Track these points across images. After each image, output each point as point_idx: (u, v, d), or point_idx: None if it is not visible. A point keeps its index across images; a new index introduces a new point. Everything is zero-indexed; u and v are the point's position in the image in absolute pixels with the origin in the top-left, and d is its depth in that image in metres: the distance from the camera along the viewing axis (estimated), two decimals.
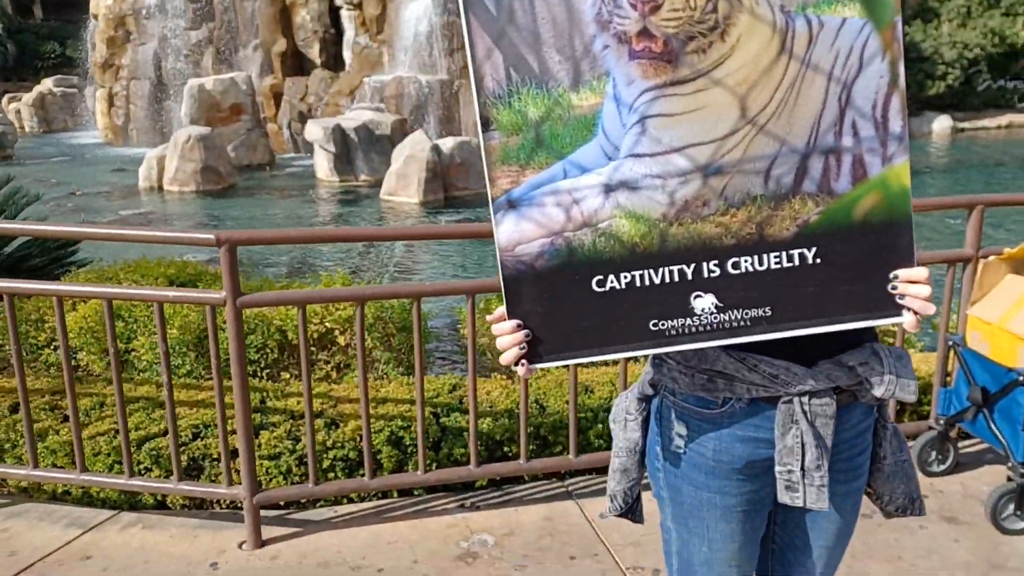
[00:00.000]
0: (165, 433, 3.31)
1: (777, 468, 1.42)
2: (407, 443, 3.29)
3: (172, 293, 2.79)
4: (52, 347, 4.36)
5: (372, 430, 3.30)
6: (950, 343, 3.32)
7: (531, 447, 3.35)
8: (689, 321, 1.35)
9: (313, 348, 4.16)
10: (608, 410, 3.45)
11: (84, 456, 3.08)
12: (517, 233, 1.35)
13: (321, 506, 3.28)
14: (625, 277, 1.34)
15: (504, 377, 3.90)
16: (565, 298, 1.36)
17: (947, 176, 16.03)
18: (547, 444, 3.40)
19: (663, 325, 1.35)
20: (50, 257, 5.05)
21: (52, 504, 3.32)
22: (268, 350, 4.19)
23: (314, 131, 15.88)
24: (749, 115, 1.29)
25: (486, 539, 3.00)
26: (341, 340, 4.22)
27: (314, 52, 19.83)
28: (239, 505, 3.31)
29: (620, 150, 1.32)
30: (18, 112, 23.41)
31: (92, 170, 17.96)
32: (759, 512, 1.53)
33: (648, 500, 1.64)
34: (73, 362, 4.40)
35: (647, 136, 1.31)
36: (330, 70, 19.64)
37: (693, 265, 1.33)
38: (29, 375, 3.83)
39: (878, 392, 1.41)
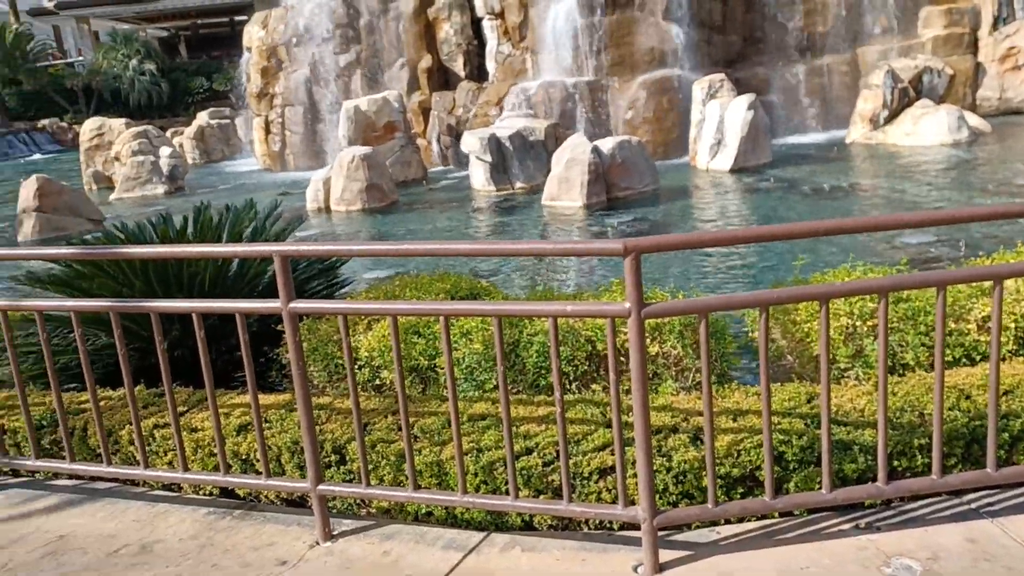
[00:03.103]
0: (529, 452, 3.20)
1: None
2: (788, 458, 3.06)
3: (570, 307, 2.67)
4: (357, 366, 4.39)
5: (745, 446, 3.09)
6: None
7: (924, 460, 3.05)
8: None
9: (622, 359, 4.00)
10: (1008, 416, 3.11)
11: (465, 478, 3.01)
12: None
13: (697, 527, 3.09)
14: None
15: (854, 383, 3.61)
16: None
17: None
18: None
19: None
20: (327, 279, 5.13)
21: (418, 525, 3.27)
22: (577, 362, 4.07)
23: (470, 142, 16.00)
24: None
25: (909, 564, 2.73)
26: (652, 348, 4.05)
27: (458, 65, 20.08)
28: (610, 525, 3.17)
29: None
30: (181, 145, 24.82)
31: (257, 196, 18.72)
32: None
33: None
34: (377, 380, 4.42)
35: None
36: (475, 81, 19.84)
37: None
38: (343, 395, 3.82)
39: None
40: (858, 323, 3.93)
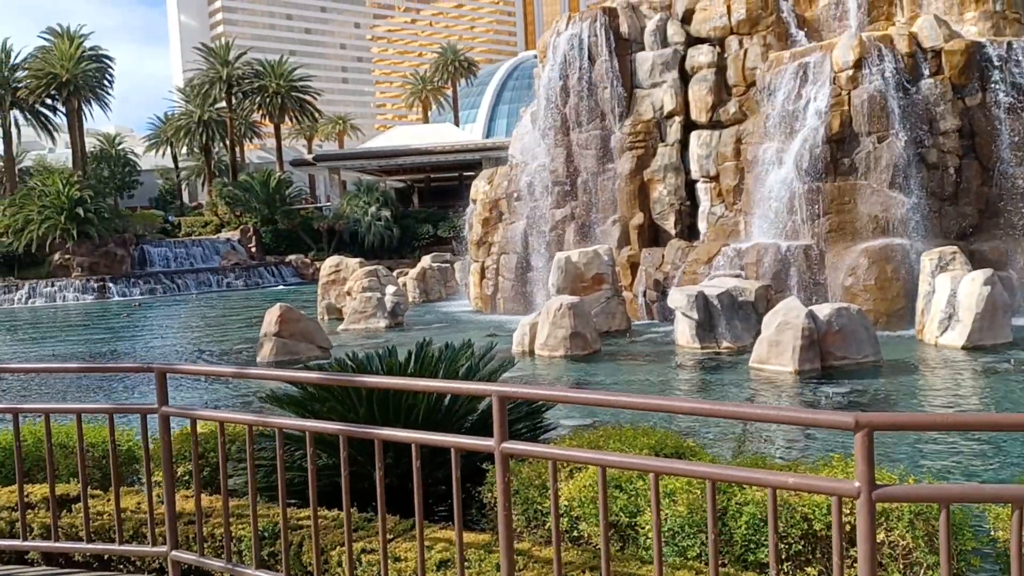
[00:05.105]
0: None
1: None
2: None
3: (792, 479, 2.52)
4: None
5: None
6: None
7: None
8: None
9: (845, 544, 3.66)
10: None
11: None
12: None
13: None
14: None
15: None
16: None
17: None
18: None
19: None
20: (532, 423, 5.21)
21: None
22: (791, 540, 3.78)
23: (677, 298, 15.98)
24: None
25: None
26: (878, 535, 3.68)
27: (669, 223, 20.45)
28: None
29: None
30: (404, 284, 26.80)
31: (467, 335, 19.63)
32: None
33: None
34: (575, 532, 4.34)
35: None
36: (685, 239, 20.04)
37: None
38: (540, 543, 3.77)
39: None
40: None
